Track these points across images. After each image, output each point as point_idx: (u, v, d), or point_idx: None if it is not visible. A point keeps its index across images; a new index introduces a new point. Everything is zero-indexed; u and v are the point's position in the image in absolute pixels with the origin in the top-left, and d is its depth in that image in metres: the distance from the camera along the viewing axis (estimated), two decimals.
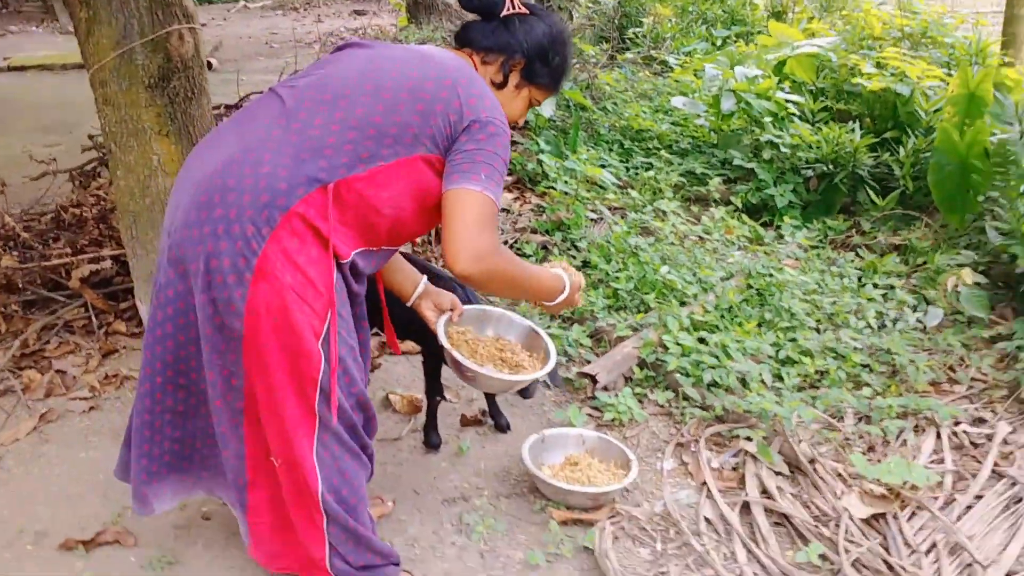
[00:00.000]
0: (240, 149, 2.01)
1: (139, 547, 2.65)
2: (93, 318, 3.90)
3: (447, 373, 2.97)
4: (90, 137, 5.36)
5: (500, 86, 2.32)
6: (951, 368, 3.55)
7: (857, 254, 4.51)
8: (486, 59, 2.32)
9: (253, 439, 2.14)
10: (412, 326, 2.83)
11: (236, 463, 2.18)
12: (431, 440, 3.09)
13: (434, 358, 2.96)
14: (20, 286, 4.05)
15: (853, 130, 5.04)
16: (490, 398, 3.21)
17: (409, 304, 2.50)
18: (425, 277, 2.61)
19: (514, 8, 2.33)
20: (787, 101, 5.43)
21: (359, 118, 2.02)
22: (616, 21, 9.78)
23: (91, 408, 3.38)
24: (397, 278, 2.57)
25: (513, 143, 5.55)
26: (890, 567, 2.47)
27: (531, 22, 2.34)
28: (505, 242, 4.40)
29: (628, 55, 7.77)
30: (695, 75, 6.45)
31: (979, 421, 3.24)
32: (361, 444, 2.22)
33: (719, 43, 8.30)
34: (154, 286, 2.14)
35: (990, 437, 3.10)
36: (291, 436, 2.05)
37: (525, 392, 2.92)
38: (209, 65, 9.89)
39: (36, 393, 3.45)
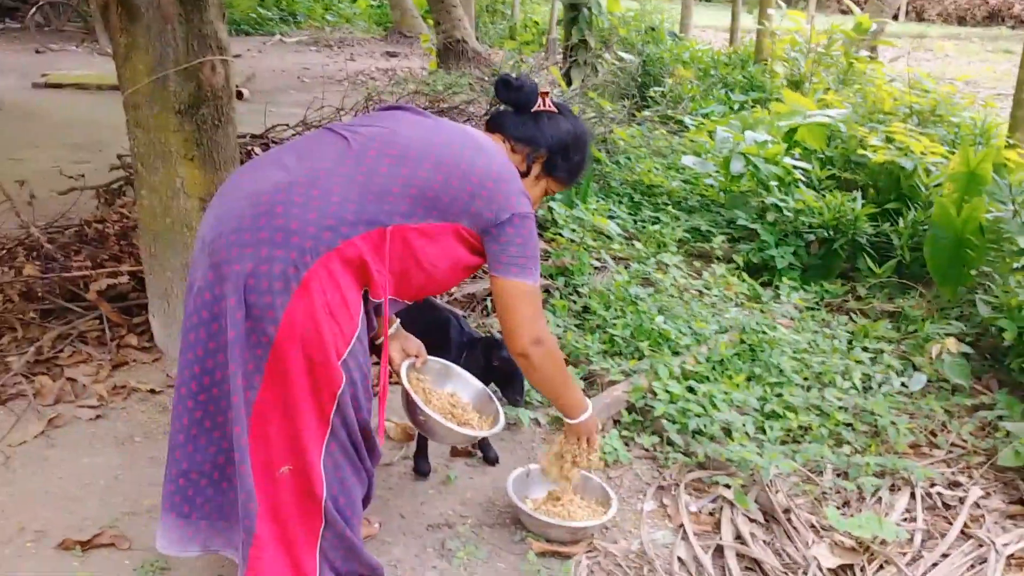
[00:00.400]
0: (305, 175, 2.19)
1: (133, 551, 2.76)
2: (107, 330, 4.04)
3: None
4: (119, 157, 5.54)
5: (524, 174, 2.53)
6: (932, 432, 3.64)
7: (851, 318, 4.62)
8: (515, 147, 2.55)
9: (256, 450, 2.22)
10: None
11: (251, 486, 2.22)
12: (420, 467, 3.21)
13: None
14: (40, 295, 4.21)
15: (855, 199, 5.19)
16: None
17: (377, 342, 2.61)
18: (398, 320, 2.76)
19: (544, 106, 2.57)
20: (794, 167, 5.58)
21: (422, 180, 2.24)
22: (638, 80, 10.01)
23: (98, 416, 3.51)
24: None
25: None
26: None
27: (558, 120, 2.58)
28: None
29: (646, 113, 7.96)
30: (709, 136, 6.62)
31: (954, 485, 3.33)
32: (362, 461, 2.36)
33: (736, 107, 8.49)
34: (188, 292, 2.27)
35: (963, 500, 3.19)
36: (304, 442, 2.19)
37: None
38: (240, 95, 10.14)
39: (46, 399, 3.58)
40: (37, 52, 13.76)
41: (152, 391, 3.69)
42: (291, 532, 2.27)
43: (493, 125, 2.59)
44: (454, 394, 2.89)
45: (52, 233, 4.83)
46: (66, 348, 3.96)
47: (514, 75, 2.60)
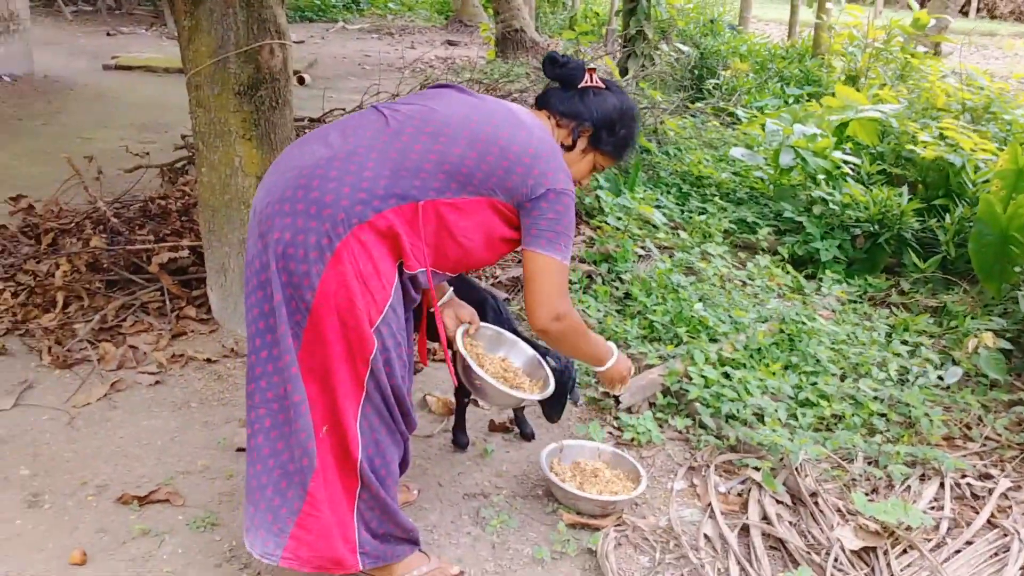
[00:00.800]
0: (345, 151, 2.31)
1: (187, 507, 2.93)
2: (167, 302, 4.24)
3: None
4: (183, 137, 5.76)
5: (569, 148, 2.60)
6: (967, 425, 3.68)
7: (892, 312, 4.65)
8: (560, 122, 2.61)
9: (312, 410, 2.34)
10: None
11: (307, 441, 2.32)
12: (459, 440, 3.33)
13: None
14: (105, 266, 4.42)
15: (901, 194, 5.20)
16: (517, 409, 3.44)
17: (432, 309, 2.72)
18: (452, 288, 2.88)
19: (591, 82, 2.63)
20: (843, 161, 5.60)
21: (456, 156, 2.32)
22: (695, 72, 10.02)
23: (157, 382, 3.71)
24: None
25: None
26: None
27: (604, 96, 2.63)
28: None
29: (699, 104, 7.99)
30: (762, 129, 6.64)
31: (985, 477, 3.36)
32: (397, 425, 2.46)
33: (791, 101, 8.47)
34: (247, 258, 2.41)
35: (992, 491, 3.23)
36: (340, 404, 2.31)
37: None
38: (302, 80, 10.36)
39: (109, 364, 3.78)
40: (108, 35, 14.14)
41: (208, 360, 3.87)
42: (333, 492, 2.38)
43: (541, 102, 2.67)
44: (506, 359, 2.99)
45: (118, 208, 5.05)
46: (129, 317, 4.16)
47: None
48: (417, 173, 2.29)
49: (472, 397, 3.29)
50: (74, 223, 4.86)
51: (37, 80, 9.83)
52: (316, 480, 2.34)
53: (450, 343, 2.80)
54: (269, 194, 2.33)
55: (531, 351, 3.02)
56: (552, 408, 3.12)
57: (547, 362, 2.98)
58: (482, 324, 2.96)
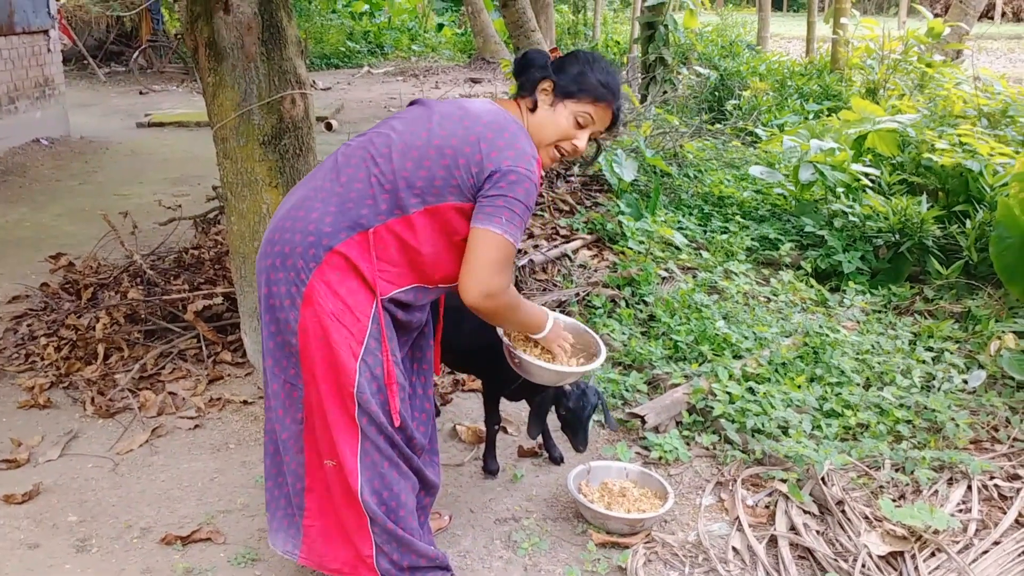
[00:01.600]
0: (300, 198, 2.44)
1: (228, 544, 3.03)
2: (203, 348, 4.37)
3: (505, 404, 3.32)
4: (213, 188, 5.92)
5: (534, 111, 2.52)
6: (994, 428, 3.69)
7: (916, 320, 4.67)
8: (524, 95, 2.54)
9: (311, 446, 2.48)
10: (472, 359, 3.18)
11: (297, 469, 2.52)
12: (489, 466, 3.41)
13: (493, 389, 3.29)
14: (143, 317, 4.56)
15: (920, 202, 5.23)
16: (546, 435, 3.50)
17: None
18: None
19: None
20: (862, 173, 5.64)
21: (392, 172, 2.36)
22: (715, 94, 10.10)
23: (196, 426, 3.82)
24: None
25: (595, 204, 5.89)
26: None
27: (560, 59, 2.58)
28: (577, 294, 4.72)
29: (718, 125, 8.07)
30: (781, 146, 6.70)
31: (1014, 477, 3.37)
32: (403, 456, 2.51)
33: (810, 116, 8.52)
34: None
35: (1020, 491, 3.24)
36: (336, 441, 2.41)
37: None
38: (329, 126, 10.57)
39: (150, 411, 3.91)
40: (140, 93, 14.53)
41: (244, 402, 3.99)
42: (343, 516, 2.48)
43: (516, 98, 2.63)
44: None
45: (154, 261, 5.21)
46: (167, 365, 4.29)
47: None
48: (363, 201, 2.35)
49: (502, 424, 3.37)
50: (112, 277, 5.03)
51: (74, 141, 10.14)
52: (310, 498, 2.50)
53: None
54: (261, 247, 2.48)
55: (572, 321, 2.97)
56: (577, 439, 3.16)
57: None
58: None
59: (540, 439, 3.54)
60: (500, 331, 2.76)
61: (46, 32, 10.05)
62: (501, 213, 2.32)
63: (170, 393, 4.05)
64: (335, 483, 2.45)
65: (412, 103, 2.60)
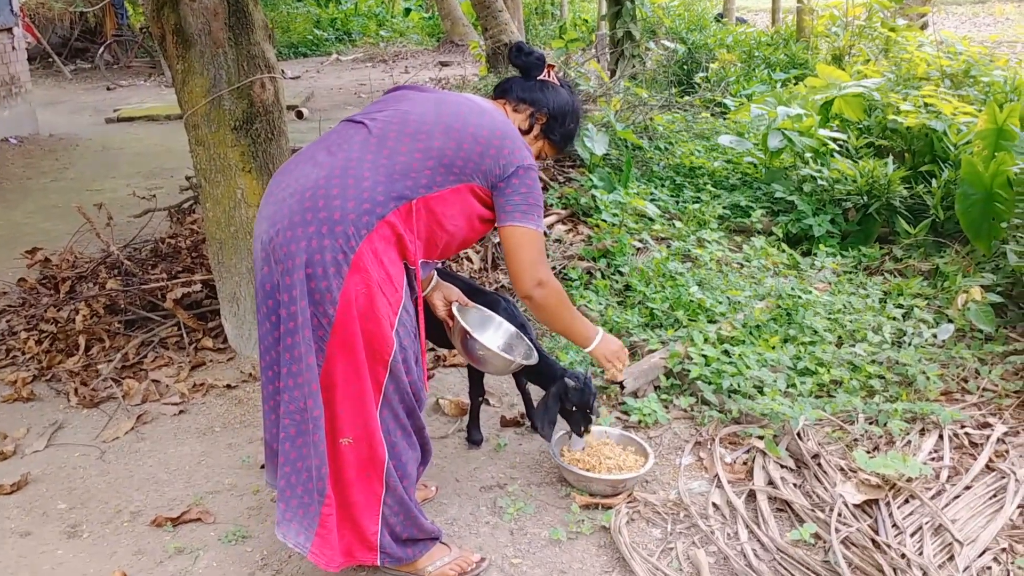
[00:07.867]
0: (339, 167, 2.45)
1: (218, 523, 3.07)
2: (184, 335, 4.40)
3: (488, 377, 3.38)
4: (187, 178, 5.93)
5: (525, 132, 2.78)
6: (964, 379, 3.78)
7: (886, 279, 4.76)
8: (517, 107, 2.80)
9: (329, 426, 2.48)
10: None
11: (323, 447, 2.48)
12: (473, 437, 3.47)
13: None
14: (123, 307, 4.58)
15: (887, 164, 5.31)
16: (529, 404, 3.57)
17: (423, 294, 2.87)
18: (436, 273, 3.04)
19: (549, 76, 2.84)
20: (829, 138, 5.71)
21: (437, 150, 2.48)
22: (684, 67, 10.15)
23: (180, 412, 3.87)
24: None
25: (568, 180, 5.95)
26: (877, 545, 2.74)
27: (559, 91, 2.84)
28: (553, 268, 4.77)
29: (687, 98, 8.12)
30: (749, 115, 6.76)
31: (984, 425, 3.47)
32: (417, 426, 2.61)
33: (778, 85, 8.58)
34: (256, 285, 2.56)
35: (990, 438, 3.33)
36: (368, 411, 2.45)
37: (577, 428, 3.26)
38: (300, 115, 10.55)
39: (134, 399, 3.94)
40: (108, 89, 14.45)
41: (228, 386, 4.03)
42: (351, 497, 2.52)
43: (498, 91, 2.85)
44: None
45: (130, 252, 5.23)
46: (149, 353, 4.32)
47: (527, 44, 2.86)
48: (407, 173, 2.44)
49: (485, 396, 3.43)
50: (90, 270, 5.04)
51: (43, 139, 10.09)
52: (333, 484, 2.49)
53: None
54: (274, 222, 2.45)
55: (513, 328, 3.17)
56: (577, 423, 3.20)
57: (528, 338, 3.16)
58: (472, 305, 3.11)
59: (524, 408, 3.61)
60: (460, 319, 2.92)
61: (9, 30, 9.98)
62: (534, 211, 2.58)
63: (153, 381, 4.08)
64: (347, 462, 2.48)
65: (400, 87, 2.73)
